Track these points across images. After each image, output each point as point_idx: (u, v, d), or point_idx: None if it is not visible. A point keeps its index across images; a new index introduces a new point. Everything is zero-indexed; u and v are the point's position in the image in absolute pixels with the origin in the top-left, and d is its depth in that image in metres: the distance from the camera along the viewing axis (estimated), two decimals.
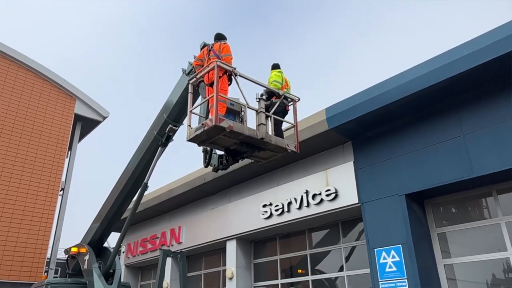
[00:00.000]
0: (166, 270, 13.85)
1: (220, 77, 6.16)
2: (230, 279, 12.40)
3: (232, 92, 6.64)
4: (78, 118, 17.04)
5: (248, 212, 12.26)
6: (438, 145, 8.48)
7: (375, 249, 8.96)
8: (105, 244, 11.12)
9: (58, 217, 15.73)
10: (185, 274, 9.80)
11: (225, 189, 13.78)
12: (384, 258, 8.72)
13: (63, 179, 16.11)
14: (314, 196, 10.44)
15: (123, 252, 17.90)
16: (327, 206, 10.16)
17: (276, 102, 6.98)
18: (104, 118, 17.71)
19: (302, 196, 10.71)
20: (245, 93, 6.41)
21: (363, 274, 9.79)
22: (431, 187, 8.41)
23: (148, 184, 9.12)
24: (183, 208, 15.59)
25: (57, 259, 16.05)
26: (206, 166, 7.68)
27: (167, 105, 8.41)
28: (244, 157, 6.88)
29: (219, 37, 7.12)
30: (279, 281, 12.06)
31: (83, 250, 10.47)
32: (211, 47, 6.95)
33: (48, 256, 15.44)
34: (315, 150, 10.88)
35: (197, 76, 6.59)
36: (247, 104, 6.41)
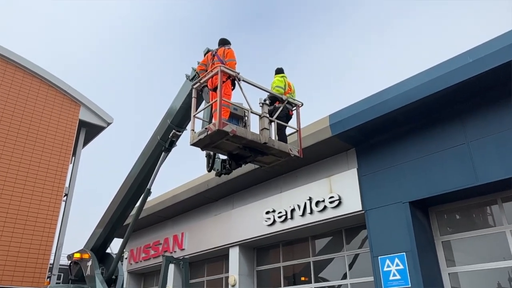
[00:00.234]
0: (169, 276, 13.76)
1: (223, 82, 6.20)
2: (233, 286, 12.34)
3: (236, 97, 6.66)
4: (82, 124, 17.10)
5: (251, 219, 12.23)
6: (442, 152, 8.44)
7: (379, 257, 8.90)
8: (108, 250, 11.12)
9: (61, 222, 15.73)
10: (188, 281, 9.77)
11: (228, 196, 13.76)
12: (388, 266, 8.66)
13: (66, 184, 16.13)
14: (317, 203, 10.40)
15: (126, 258, 17.88)
16: (330, 213, 10.12)
17: (279, 107, 6.98)
18: (108, 124, 17.78)
19: (305, 203, 10.67)
20: (249, 98, 6.45)
21: (367, 282, 9.71)
22: (435, 194, 8.36)
23: (151, 190, 9.14)
24: (186, 214, 15.57)
25: (60, 265, 16.02)
26: (209, 171, 7.69)
27: (170, 110, 8.45)
28: (247, 161, 6.89)
29: (223, 42, 7.16)
30: None
31: (86, 256, 10.47)
32: (215, 52, 6.99)
33: (51, 261, 15.41)
34: (319, 156, 10.85)
35: (201, 81, 6.63)
36: (251, 109, 6.43)
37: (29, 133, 15.38)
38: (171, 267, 12.75)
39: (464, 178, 7.93)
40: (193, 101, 6.60)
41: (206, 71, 6.96)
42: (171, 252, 15.00)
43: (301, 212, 10.72)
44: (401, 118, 8.84)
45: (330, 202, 10.08)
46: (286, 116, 7.36)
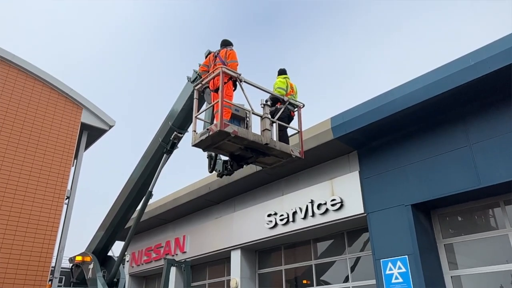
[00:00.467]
0: (170, 279, 13.65)
1: (225, 83, 6.22)
2: None
3: (237, 98, 6.67)
4: (84, 126, 17.10)
5: (253, 222, 12.21)
6: (444, 155, 8.42)
7: (381, 260, 8.87)
8: (110, 253, 11.13)
9: (63, 225, 15.71)
10: (189, 284, 9.77)
11: (230, 198, 13.75)
12: (390, 269, 8.63)
13: (68, 187, 16.13)
14: (319, 205, 10.38)
15: (128, 261, 17.86)
16: (332, 216, 10.09)
17: (281, 108, 6.99)
18: (110, 127, 17.76)
19: (307, 206, 10.65)
20: (250, 99, 6.46)
21: (369, 285, 9.67)
22: (438, 197, 8.34)
23: (153, 193, 9.14)
24: (187, 217, 15.55)
25: (62, 268, 15.97)
26: (211, 172, 7.71)
27: (172, 112, 8.47)
28: (248, 162, 6.90)
29: (226, 43, 7.19)
30: None
31: (87, 259, 10.48)
32: (217, 53, 7.01)
33: (53, 264, 15.40)
34: (321, 159, 10.84)
35: (203, 82, 6.65)
36: (252, 110, 6.44)
37: (31, 136, 15.41)
38: (173, 270, 12.72)
39: (467, 181, 7.91)
40: (195, 102, 6.62)
41: (208, 72, 6.98)
42: (173, 255, 14.98)
43: (303, 215, 10.69)
44: (403, 121, 8.83)
45: (332, 205, 10.06)
46: (287, 117, 7.38)
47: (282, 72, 7.89)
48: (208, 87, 6.72)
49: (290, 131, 7.45)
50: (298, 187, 11.38)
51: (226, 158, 7.22)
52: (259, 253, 13.16)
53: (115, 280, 10.00)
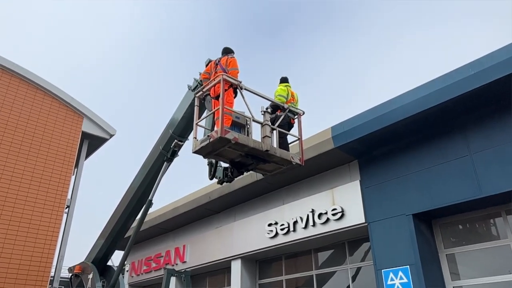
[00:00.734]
0: None
1: (225, 90, 6.26)
2: None
3: (238, 105, 6.70)
4: (85, 135, 17.16)
5: (253, 231, 12.15)
6: (445, 164, 8.41)
7: (382, 270, 8.80)
8: (109, 263, 11.06)
9: (62, 234, 15.67)
10: None
11: (230, 208, 13.70)
12: (392, 280, 8.56)
13: (68, 196, 16.12)
14: (320, 215, 10.34)
15: (127, 271, 17.75)
16: (333, 226, 10.04)
17: (281, 115, 7.01)
18: (111, 135, 17.82)
19: (308, 215, 10.61)
20: (251, 106, 6.49)
21: None
22: (439, 207, 8.30)
23: (153, 201, 9.13)
24: (188, 227, 15.49)
25: (61, 278, 15.91)
26: (211, 179, 7.71)
27: (172, 120, 8.51)
28: (249, 169, 6.90)
29: (227, 51, 7.24)
30: None
31: (87, 268, 10.41)
32: (219, 61, 7.07)
33: (52, 274, 15.31)
34: (321, 168, 10.83)
35: (204, 89, 6.70)
36: (252, 117, 6.47)
37: (32, 145, 15.44)
38: (173, 280, 12.65)
39: (468, 190, 7.88)
40: (196, 109, 6.65)
41: (210, 79, 7.03)
42: (173, 265, 14.89)
43: (303, 225, 10.65)
44: (404, 130, 8.83)
45: (333, 215, 10.02)
46: (287, 125, 7.41)
47: (283, 80, 7.97)
48: (209, 94, 6.77)
49: (290, 139, 7.46)
50: (299, 196, 11.34)
51: (227, 165, 7.23)
52: (259, 263, 13.07)
53: None
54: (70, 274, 11.27)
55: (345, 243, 10.81)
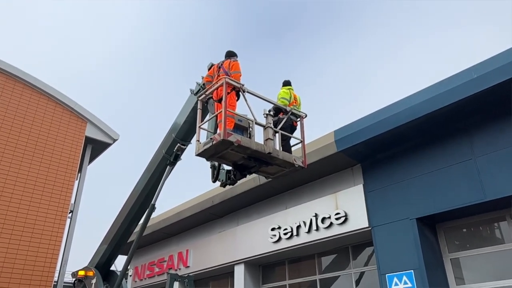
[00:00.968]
0: None
1: (228, 93, 6.29)
2: None
3: (241, 108, 6.73)
4: (88, 140, 17.21)
5: (257, 236, 12.12)
6: (449, 168, 8.38)
7: (386, 275, 8.75)
8: (112, 267, 11.05)
9: (66, 239, 15.69)
10: None
11: (233, 212, 13.69)
12: (396, 284, 8.51)
13: (72, 201, 16.15)
14: (323, 219, 10.31)
15: (130, 275, 17.73)
16: (336, 230, 10.01)
17: (284, 118, 7.03)
18: (114, 140, 17.87)
19: (311, 220, 10.58)
20: (253, 109, 6.51)
21: None
22: (443, 210, 8.26)
23: (156, 206, 9.13)
24: (191, 231, 15.48)
25: (64, 283, 15.90)
26: (214, 181, 7.73)
27: (175, 124, 8.56)
28: (251, 172, 6.92)
29: (230, 54, 7.29)
30: None
31: (90, 273, 10.41)
32: (221, 64, 7.12)
33: (55, 279, 15.32)
34: (324, 173, 10.81)
35: (206, 93, 6.73)
36: (255, 119, 6.49)
37: (36, 149, 15.50)
38: (176, 284, 12.58)
39: (472, 194, 7.84)
40: (199, 112, 6.69)
41: (212, 82, 7.07)
42: (176, 270, 14.86)
43: (307, 229, 10.61)
44: (407, 134, 8.81)
45: (336, 219, 9.99)
46: (290, 127, 7.42)
47: (286, 83, 8.01)
48: (211, 97, 6.80)
49: (293, 141, 7.47)
50: (302, 200, 11.32)
51: (229, 167, 7.24)
52: (262, 267, 13.03)
53: None
54: (74, 279, 11.25)
55: (349, 247, 10.76)
